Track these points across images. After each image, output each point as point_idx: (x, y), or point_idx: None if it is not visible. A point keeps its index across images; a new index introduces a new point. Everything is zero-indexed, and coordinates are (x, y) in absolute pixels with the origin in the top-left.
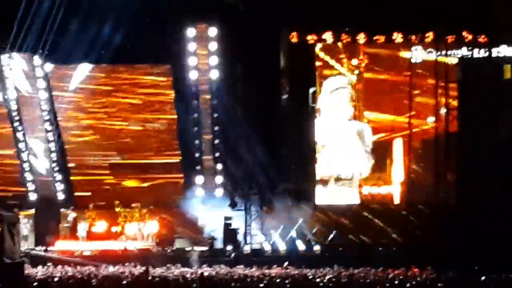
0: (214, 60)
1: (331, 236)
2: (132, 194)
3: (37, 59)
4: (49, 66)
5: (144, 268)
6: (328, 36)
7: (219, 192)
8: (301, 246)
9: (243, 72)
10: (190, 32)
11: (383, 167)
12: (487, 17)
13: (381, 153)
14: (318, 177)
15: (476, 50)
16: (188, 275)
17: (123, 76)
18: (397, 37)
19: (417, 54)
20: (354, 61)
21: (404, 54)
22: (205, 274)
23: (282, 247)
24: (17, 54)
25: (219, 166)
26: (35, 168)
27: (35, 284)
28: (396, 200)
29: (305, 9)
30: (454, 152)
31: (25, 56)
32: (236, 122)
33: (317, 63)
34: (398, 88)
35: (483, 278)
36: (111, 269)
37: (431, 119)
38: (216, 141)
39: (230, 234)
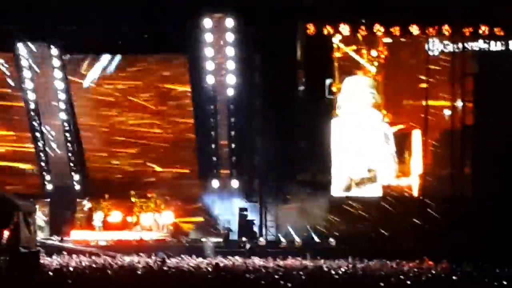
0: (230, 51)
1: (345, 228)
2: (148, 184)
3: (53, 49)
4: (65, 56)
5: (159, 258)
6: (344, 28)
7: (235, 183)
8: (316, 238)
9: (260, 63)
10: (207, 22)
11: (402, 159)
12: (504, 10)
13: (400, 145)
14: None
15: (492, 43)
16: (203, 266)
17: (139, 66)
18: (414, 29)
19: (434, 47)
20: (374, 53)
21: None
22: (220, 265)
23: (297, 239)
24: (34, 43)
25: (235, 158)
26: (50, 158)
27: (50, 273)
28: (415, 192)
29: (321, 0)
30: (470, 145)
31: (41, 46)
32: (253, 113)
33: (337, 54)
34: (416, 79)
35: (497, 271)
36: (127, 259)
37: (447, 112)
38: (232, 132)
39: (245, 225)
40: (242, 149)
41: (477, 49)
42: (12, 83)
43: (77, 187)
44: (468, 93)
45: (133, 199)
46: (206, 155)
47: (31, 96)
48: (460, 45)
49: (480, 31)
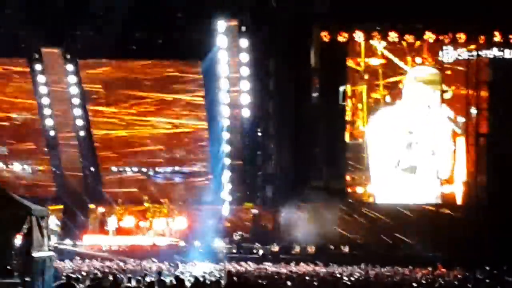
0: (245, 57)
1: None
2: (161, 189)
3: (67, 54)
4: (79, 62)
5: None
6: (359, 35)
7: (249, 189)
8: (329, 244)
9: (274, 69)
10: (221, 27)
11: None
12: None
13: None
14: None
15: (507, 51)
16: (215, 272)
17: (153, 72)
18: (429, 37)
19: (448, 54)
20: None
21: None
22: (233, 270)
23: (310, 245)
24: (49, 48)
25: (249, 164)
26: (64, 163)
27: (63, 278)
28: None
29: (336, 7)
30: (485, 153)
31: (56, 51)
32: (267, 119)
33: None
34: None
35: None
36: (139, 264)
37: (461, 119)
38: (246, 138)
39: (258, 231)
40: (255, 155)
41: (492, 56)
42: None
43: (90, 192)
44: (483, 101)
45: (146, 204)
46: (219, 160)
47: (45, 101)
48: (474, 52)
49: (495, 39)
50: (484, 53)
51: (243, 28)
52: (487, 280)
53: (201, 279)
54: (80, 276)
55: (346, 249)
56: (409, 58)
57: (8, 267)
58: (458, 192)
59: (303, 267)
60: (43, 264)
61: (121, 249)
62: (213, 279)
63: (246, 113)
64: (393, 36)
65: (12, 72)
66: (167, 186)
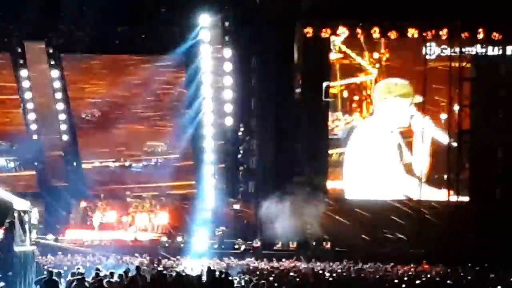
0: (227, 52)
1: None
2: (142, 181)
3: (50, 49)
4: (62, 56)
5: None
6: (342, 31)
7: (230, 184)
8: (312, 240)
9: (257, 65)
10: (204, 22)
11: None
12: (501, 15)
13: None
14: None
15: (490, 48)
16: (197, 267)
17: (136, 66)
18: (412, 33)
19: (431, 51)
20: (375, 55)
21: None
22: (214, 266)
23: (292, 241)
24: (32, 43)
25: (231, 160)
26: (47, 156)
27: (45, 272)
28: (413, 196)
29: (319, 3)
30: (467, 150)
31: (38, 45)
32: (249, 115)
33: (338, 55)
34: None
35: (492, 275)
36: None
37: (443, 116)
38: (228, 134)
39: (240, 227)
40: (237, 151)
41: (474, 53)
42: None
43: (72, 186)
44: (465, 98)
45: (128, 199)
46: (202, 157)
47: (27, 95)
48: (457, 49)
49: (478, 36)
50: (467, 50)
51: (226, 24)
52: (469, 277)
53: (183, 274)
54: (62, 271)
55: (328, 245)
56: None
57: None
58: (439, 188)
59: (285, 263)
60: (25, 259)
61: (103, 244)
62: (194, 274)
63: (228, 108)
64: (376, 32)
65: None
66: (149, 180)
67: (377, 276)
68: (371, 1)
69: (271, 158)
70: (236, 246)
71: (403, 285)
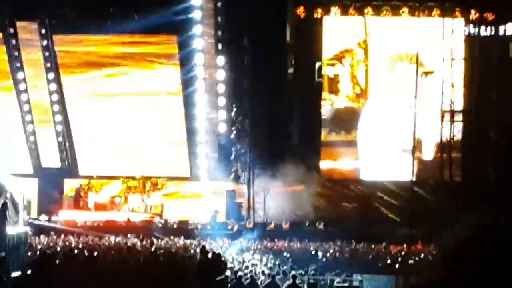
0: (220, 32)
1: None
2: (136, 164)
3: (42, 29)
4: (54, 37)
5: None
6: (335, 10)
7: (223, 165)
8: (304, 220)
9: (250, 45)
10: (197, 2)
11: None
12: None
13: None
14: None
15: (483, 28)
16: (190, 247)
17: (130, 47)
18: (404, 12)
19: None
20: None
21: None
22: (207, 246)
23: (285, 221)
24: (23, 23)
25: (224, 138)
26: (39, 136)
27: (38, 253)
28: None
29: None
30: (460, 129)
31: (31, 25)
32: (242, 95)
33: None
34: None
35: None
36: (114, 240)
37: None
38: (221, 113)
39: (233, 207)
40: (230, 131)
41: (467, 33)
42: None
43: (65, 166)
44: (459, 78)
45: (121, 180)
46: (195, 136)
47: (20, 74)
48: (450, 29)
49: (470, 16)
50: (461, 29)
51: (219, 4)
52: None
53: (176, 254)
54: (55, 252)
55: (321, 225)
56: None
57: None
58: (433, 168)
59: (278, 243)
60: (18, 240)
61: (96, 225)
62: (187, 254)
63: (221, 88)
64: (369, 11)
65: None
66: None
67: (370, 256)
68: None
69: (264, 138)
70: (229, 227)
71: (396, 265)
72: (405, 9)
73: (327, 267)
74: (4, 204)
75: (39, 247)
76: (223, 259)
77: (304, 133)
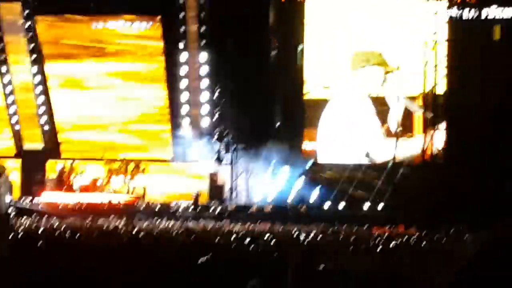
0: (203, 15)
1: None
2: (119, 147)
3: (26, 10)
4: (37, 18)
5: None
6: None
7: (206, 146)
8: (287, 203)
9: (233, 28)
10: None
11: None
12: None
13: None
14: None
15: (466, 10)
16: (173, 229)
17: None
18: None
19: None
20: None
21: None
22: (190, 228)
23: (268, 203)
24: (7, 3)
25: (207, 120)
26: (22, 117)
27: (19, 236)
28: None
29: None
30: (442, 112)
31: (14, 6)
32: (225, 77)
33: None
34: None
35: (467, 236)
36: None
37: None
38: (203, 96)
39: (215, 189)
40: (213, 114)
41: (450, 16)
42: None
43: (48, 147)
44: (441, 60)
45: (104, 162)
46: (179, 120)
47: (1, 55)
48: (433, 11)
49: None
50: (444, 12)
51: None
52: (445, 238)
53: (158, 236)
54: (37, 233)
55: (303, 208)
56: None
57: None
58: (415, 151)
59: (260, 226)
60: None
61: (78, 207)
62: (169, 236)
63: (204, 71)
64: None
65: None
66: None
67: (353, 238)
68: None
69: (247, 121)
70: (212, 209)
71: (379, 248)
72: None
73: None
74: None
75: (21, 229)
76: (205, 241)
77: (287, 115)
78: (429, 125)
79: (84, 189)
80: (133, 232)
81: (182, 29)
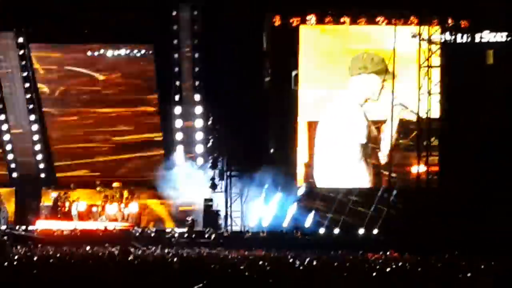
0: (197, 41)
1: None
2: (113, 169)
3: (19, 38)
4: (31, 46)
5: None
6: (311, 19)
7: (201, 173)
8: (282, 228)
9: (226, 54)
10: (174, 12)
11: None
12: (470, 2)
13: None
14: None
15: (459, 35)
16: (168, 256)
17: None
18: (381, 21)
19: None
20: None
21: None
22: (185, 255)
23: (262, 230)
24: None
25: (201, 147)
26: (17, 147)
27: (15, 263)
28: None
29: None
30: (436, 137)
31: (7, 35)
32: (218, 104)
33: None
34: None
35: (463, 263)
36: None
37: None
38: (197, 121)
39: (210, 216)
40: (207, 139)
41: (443, 40)
42: None
43: (43, 175)
44: (435, 86)
45: (98, 189)
46: (171, 143)
47: None
48: (426, 37)
49: (447, 24)
50: (437, 37)
51: (195, 12)
52: (439, 265)
53: (153, 264)
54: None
55: (298, 234)
56: None
57: None
58: (409, 176)
59: (255, 252)
60: None
61: (73, 234)
62: (164, 263)
63: (197, 97)
64: (345, 20)
65: None
66: (119, 165)
67: (347, 264)
68: None
69: (240, 146)
70: (207, 235)
71: (373, 273)
72: (381, 18)
73: None
74: None
75: (16, 257)
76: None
77: (281, 141)
78: (423, 149)
79: (79, 217)
80: (129, 259)
81: (175, 56)
